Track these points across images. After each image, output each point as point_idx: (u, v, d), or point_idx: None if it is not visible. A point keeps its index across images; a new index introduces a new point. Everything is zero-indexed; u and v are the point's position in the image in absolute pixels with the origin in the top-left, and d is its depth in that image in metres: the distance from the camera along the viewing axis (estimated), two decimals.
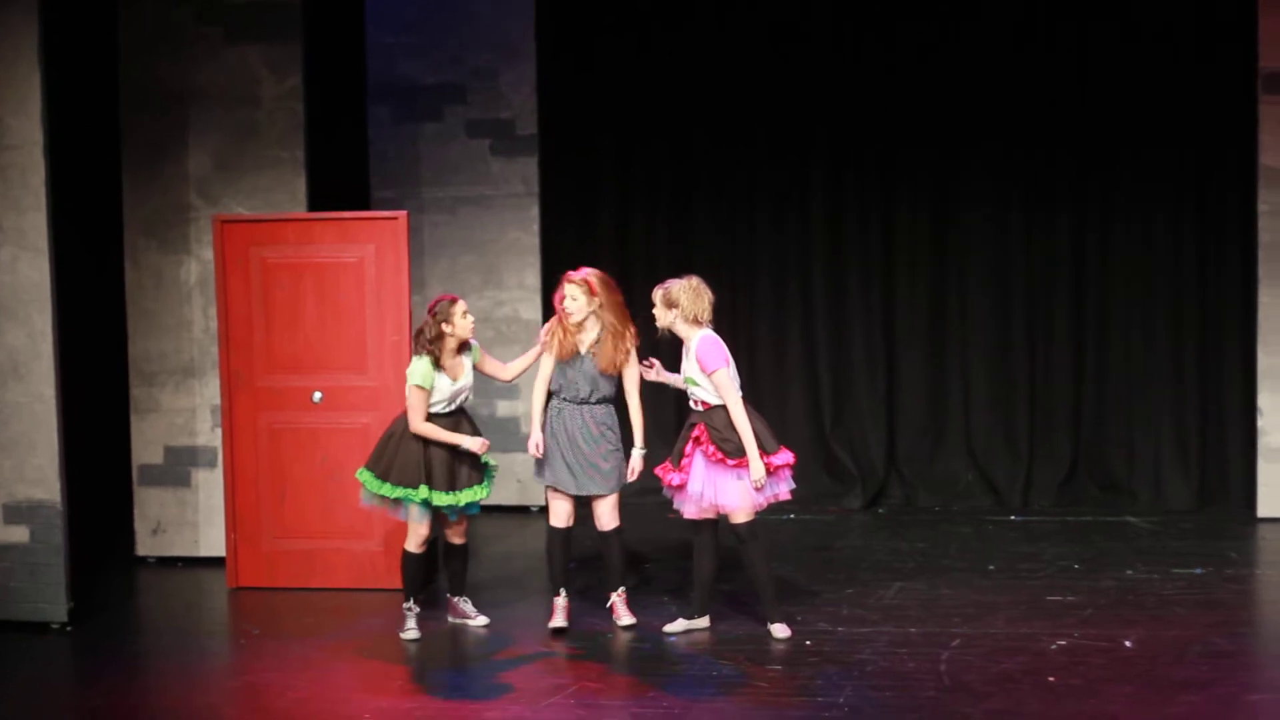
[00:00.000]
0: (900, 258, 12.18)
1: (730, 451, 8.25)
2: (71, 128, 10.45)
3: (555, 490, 8.66)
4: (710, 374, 8.27)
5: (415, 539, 8.69)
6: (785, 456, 8.41)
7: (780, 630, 8.37)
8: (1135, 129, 11.71)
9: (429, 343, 8.53)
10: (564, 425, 8.60)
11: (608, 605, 8.75)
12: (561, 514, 8.67)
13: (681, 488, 8.40)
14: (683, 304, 8.32)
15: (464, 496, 8.60)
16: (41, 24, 8.66)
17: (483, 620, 8.83)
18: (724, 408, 8.29)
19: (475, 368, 8.72)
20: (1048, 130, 11.83)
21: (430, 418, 8.56)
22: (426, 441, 8.55)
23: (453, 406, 8.64)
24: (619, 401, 8.68)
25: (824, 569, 9.98)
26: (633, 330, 8.64)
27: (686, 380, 8.38)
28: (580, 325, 8.56)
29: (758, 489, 8.27)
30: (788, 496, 8.51)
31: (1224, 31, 11.44)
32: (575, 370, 8.57)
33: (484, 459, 8.70)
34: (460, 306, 8.57)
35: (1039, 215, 11.96)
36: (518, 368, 8.92)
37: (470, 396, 8.72)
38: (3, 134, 8.70)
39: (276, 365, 9.73)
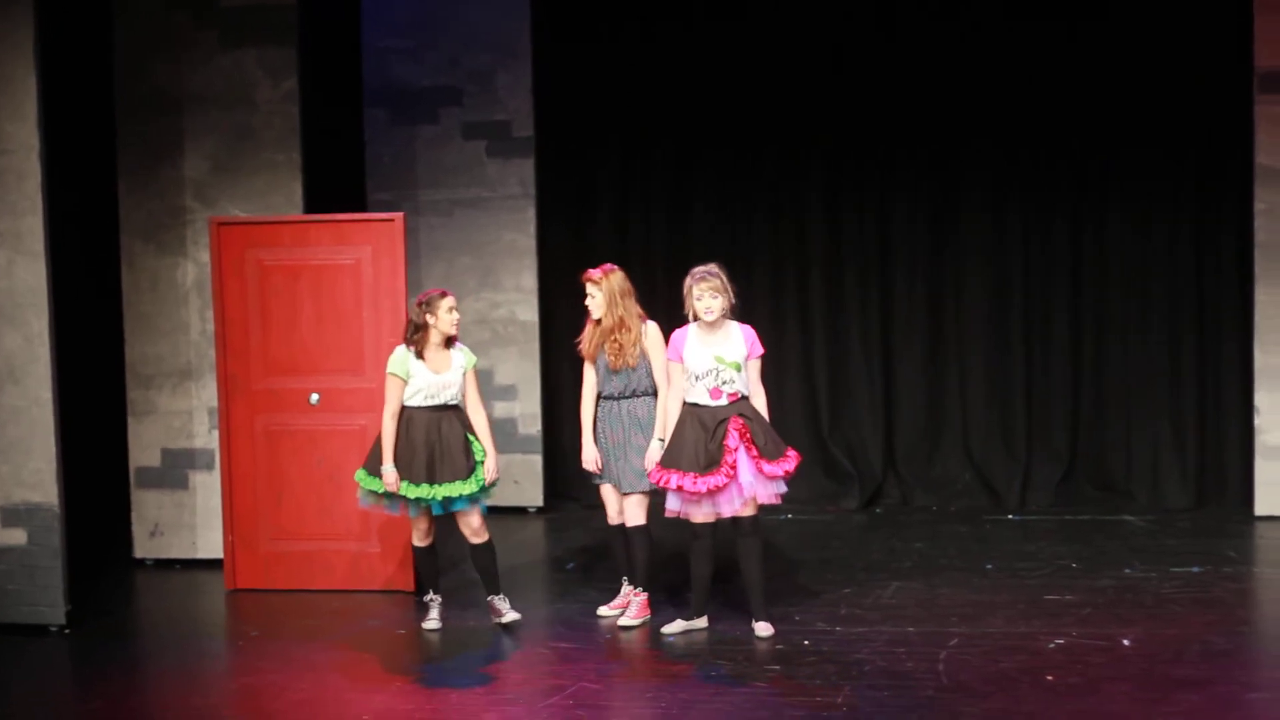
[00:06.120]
0: (898, 258, 12.19)
1: (770, 454, 8.27)
2: (67, 131, 10.46)
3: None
4: (758, 358, 8.37)
5: (416, 532, 8.73)
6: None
7: (763, 629, 8.37)
8: (1132, 129, 11.72)
9: (413, 333, 8.53)
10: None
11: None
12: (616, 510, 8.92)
13: (724, 489, 8.24)
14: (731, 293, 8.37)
15: (441, 490, 8.49)
16: (37, 28, 8.66)
17: (514, 616, 8.69)
18: (749, 398, 8.35)
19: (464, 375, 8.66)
20: (1045, 131, 11.85)
21: (412, 410, 8.53)
22: (409, 432, 8.51)
23: (436, 400, 8.56)
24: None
25: (822, 569, 9.98)
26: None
27: (730, 365, 8.28)
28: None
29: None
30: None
31: (1220, 31, 11.44)
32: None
33: (478, 471, 8.57)
34: (447, 301, 8.56)
35: (1036, 215, 11.97)
36: (481, 424, 8.68)
37: (458, 396, 8.61)
38: None
39: (273, 367, 9.73)
